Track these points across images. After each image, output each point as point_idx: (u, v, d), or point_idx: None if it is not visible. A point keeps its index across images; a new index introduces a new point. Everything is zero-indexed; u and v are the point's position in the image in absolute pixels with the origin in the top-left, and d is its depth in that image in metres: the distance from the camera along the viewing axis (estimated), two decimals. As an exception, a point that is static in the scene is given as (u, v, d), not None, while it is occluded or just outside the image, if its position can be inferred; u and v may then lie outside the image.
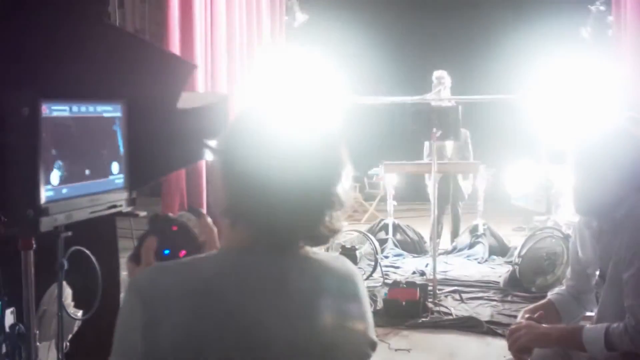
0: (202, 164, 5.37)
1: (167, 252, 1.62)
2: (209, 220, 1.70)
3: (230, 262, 1.45)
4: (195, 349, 1.36)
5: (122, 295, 3.87)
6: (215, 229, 1.71)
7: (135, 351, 1.37)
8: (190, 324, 1.37)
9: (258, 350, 1.39)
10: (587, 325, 2.75)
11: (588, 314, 3.06)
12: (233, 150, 1.46)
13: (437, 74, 8.76)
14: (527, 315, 2.85)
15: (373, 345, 1.56)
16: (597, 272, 2.82)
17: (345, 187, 1.49)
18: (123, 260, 3.94)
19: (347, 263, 1.60)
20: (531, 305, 3.02)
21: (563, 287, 3.09)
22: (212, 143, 1.59)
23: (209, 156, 1.67)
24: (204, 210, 1.72)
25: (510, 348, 2.76)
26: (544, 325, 2.75)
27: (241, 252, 1.46)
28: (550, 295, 3.08)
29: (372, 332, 1.57)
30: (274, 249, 1.45)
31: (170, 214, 1.71)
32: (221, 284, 1.41)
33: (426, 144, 9.20)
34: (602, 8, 8.13)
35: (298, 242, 1.49)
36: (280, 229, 1.44)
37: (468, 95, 9.53)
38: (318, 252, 1.53)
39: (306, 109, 1.52)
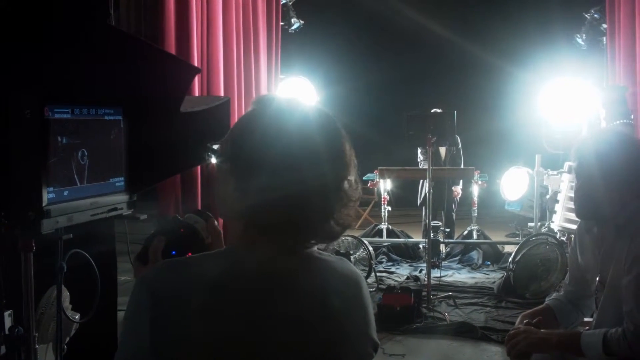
0: (198, 167, 5.37)
1: (174, 253, 1.63)
2: (216, 223, 1.71)
3: (239, 260, 1.45)
4: (204, 345, 1.37)
5: (119, 299, 3.91)
6: (221, 232, 1.72)
7: (143, 346, 1.37)
8: (199, 320, 1.37)
9: (264, 347, 1.40)
10: (586, 330, 2.76)
11: (586, 319, 3.06)
12: (244, 152, 1.45)
13: None
14: (525, 321, 2.85)
15: (375, 346, 1.58)
16: (597, 278, 2.83)
17: (352, 182, 1.52)
18: (120, 263, 3.94)
19: (350, 265, 1.62)
20: (529, 311, 3.02)
21: (561, 293, 3.10)
22: (217, 146, 1.58)
23: (213, 159, 1.66)
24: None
25: (509, 353, 2.77)
26: (542, 330, 2.75)
27: (250, 249, 1.46)
28: (548, 300, 3.09)
29: (374, 333, 1.59)
30: (283, 247, 1.46)
31: (178, 216, 1.72)
32: (230, 281, 1.42)
33: (419, 149, 9.27)
34: (596, 16, 8.19)
35: (309, 239, 1.50)
36: (293, 226, 1.44)
37: (463, 102, 9.59)
38: (323, 253, 1.55)
39: (311, 109, 1.53)
